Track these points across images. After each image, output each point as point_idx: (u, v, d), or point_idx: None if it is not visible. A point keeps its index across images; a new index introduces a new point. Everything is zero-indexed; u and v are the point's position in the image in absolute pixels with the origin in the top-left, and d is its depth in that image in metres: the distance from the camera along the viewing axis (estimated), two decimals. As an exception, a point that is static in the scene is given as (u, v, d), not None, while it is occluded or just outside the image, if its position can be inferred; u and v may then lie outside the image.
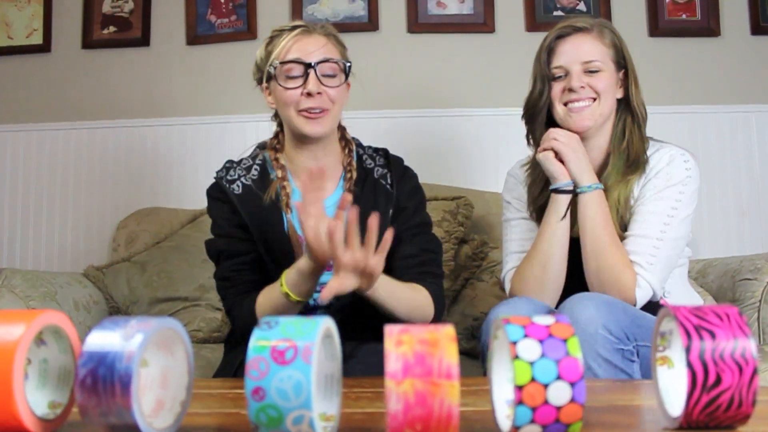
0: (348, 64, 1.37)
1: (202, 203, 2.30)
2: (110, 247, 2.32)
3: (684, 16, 2.42)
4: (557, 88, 1.42)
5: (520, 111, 1.51)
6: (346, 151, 1.43)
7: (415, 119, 2.42)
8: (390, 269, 1.28)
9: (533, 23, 2.43)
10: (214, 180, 1.41)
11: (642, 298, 1.32)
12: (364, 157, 1.43)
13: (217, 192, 1.40)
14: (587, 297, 1.23)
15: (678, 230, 1.36)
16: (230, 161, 1.44)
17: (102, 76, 2.51)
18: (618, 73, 1.43)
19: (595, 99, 1.40)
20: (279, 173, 1.39)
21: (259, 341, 0.56)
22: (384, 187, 1.38)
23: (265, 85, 1.39)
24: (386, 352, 0.54)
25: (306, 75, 1.31)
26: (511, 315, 1.20)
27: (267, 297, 1.27)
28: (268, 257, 1.34)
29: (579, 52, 1.40)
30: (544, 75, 1.43)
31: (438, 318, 1.33)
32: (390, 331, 0.56)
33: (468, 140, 2.40)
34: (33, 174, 2.48)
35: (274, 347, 0.55)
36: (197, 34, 2.47)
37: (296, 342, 0.55)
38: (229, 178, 1.39)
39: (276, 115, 1.43)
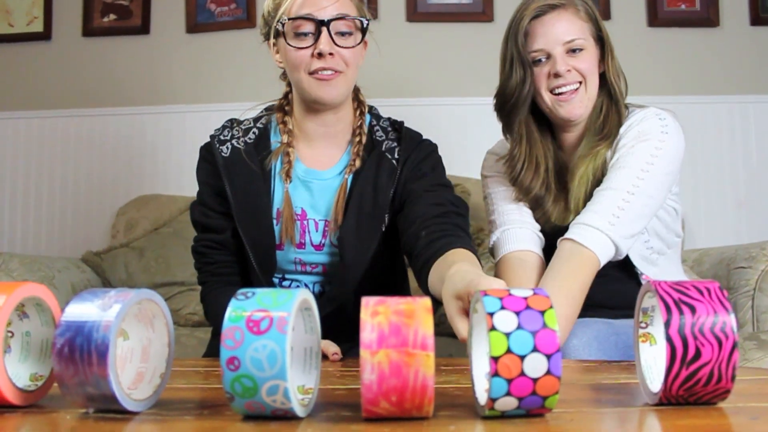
0: (366, 22, 1.23)
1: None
2: (109, 233, 2.33)
3: (683, 7, 2.41)
4: (541, 74, 1.29)
5: None
6: (358, 113, 1.31)
7: (413, 107, 2.41)
8: (409, 227, 1.18)
9: (533, 12, 2.42)
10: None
11: (601, 251, 1.17)
12: (376, 128, 1.31)
13: (206, 152, 1.31)
14: (576, 330, 1.12)
15: (653, 186, 1.21)
16: (231, 120, 1.34)
17: (102, 63, 2.51)
18: (597, 48, 1.32)
19: (581, 82, 1.28)
20: (285, 138, 1.28)
21: (235, 311, 0.56)
22: (389, 161, 1.26)
23: (272, 41, 1.26)
24: (362, 323, 0.54)
25: (318, 33, 1.18)
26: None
27: None
28: (243, 232, 1.25)
29: (559, 31, 1.27)
30: (524, 60, 1.29)
31: None
32: (366, 302, 0.56)
33: (466, 128, 2.40)
34: (33, 161, 2.49)
35: (250, 317, 0.55)
36: (197, 23, 2.48)
37: (272, 312, 0.55)
38: (221, 137, 1.29)
39: (285, 74, 1.30)
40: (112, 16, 2.50)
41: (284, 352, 0.53)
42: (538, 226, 1.34)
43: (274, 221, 1.27)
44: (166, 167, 2.47)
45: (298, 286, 1.31)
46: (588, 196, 1.26)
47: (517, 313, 0.56)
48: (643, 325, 0.67)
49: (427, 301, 0.56)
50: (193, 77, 2.49)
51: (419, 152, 1.29)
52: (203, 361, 1.12)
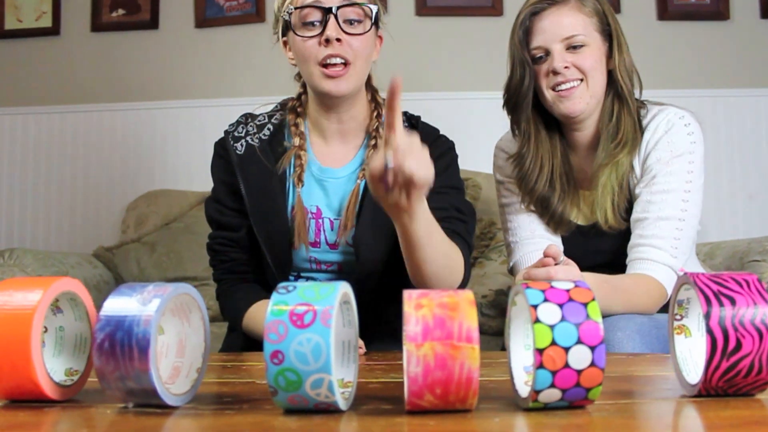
0: (375, 9, 1.21)
1: (210, 185, 2.34)
2: (120, 228, 2.33)
3: (693, 0, 2.41)
4: (541, 71, 1.28)
5: None
6: (374, 115, 1.29)
7: (423, 102, 2.40)
8: None
9: (543, 6, 2.42)
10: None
11: (669, 285, 1.22)
12: None
13: (220, 148, 1.30)
14: (620, 324, 1.12)
15: (696, 206, 1.25)
16: (246, 115, 1.32)
17: (111, 59, 2.51)
18: (606, 43, 1.30)
19: (582, 79, 1.27)
20: (296, 141, 1.27)
21: (277, 305, 0.56)
22: None
23: (284, 39, 1.25)
24: (406, 315, 0.54)
25: (325, 21, 1.17)
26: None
27: (257, 321, 1.20)
28: (258, 230, 1.24)
29: (558, 27, 1.25)
30: (523, 59, 1.28)
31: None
32: (409, 295, 0.56)
33: (475, 123, 2.40)
34: (43, 156, 2.49)
35: (293, 311, 0.55)
36: (206, 17, 2.47)
37: (315, 306, 0.55)
38: (236, 134, 1.28)
39: (300, 75, 1.30)
40: (121, 11, 2.50)
41: (329, 345, 0.53)
42: (556, 238, 1.35)
43: (290, 220, 1.26)
44: (176, 162, 2.47)
45: None
46: (614, 206, 1.27)
47: (561, 306, 0.55)
48: (678, 317, 0.67)
49: (469, 294, 0.56)
50: (202, 72, 2.48)
51: (434, 149, 1.25)
52: (223, 355, 1.12)
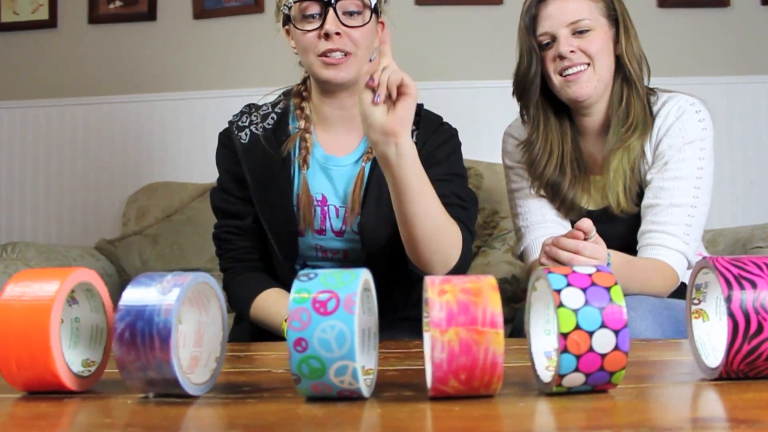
0: (374, 0, 1.21)
1: (211, 177, 2.32)
2: (120, 221, 2.32)
3: (694, -14, 2.40)
4: (548, 57, 1.30)
5: None
6: None
7: (423, 92, 2.38)
8: None
9: (542, -6, 2.41)
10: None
11: (681, 271, 1.24)
12: None
13: (224, 138, 1.31)
14: (633, 304, 1.12)
15: (707, 193, 1.27)
16: (249, 105, 1.33)
17: (109, 51, 2.50)
18: (613, 28, 1.31)
19: (589, 63, 1.28)
20: (302, 124, 1.27)
21: (299, 292, 0.55)
22: None
23: (286, 27, 1.26)
24: (430, 302, 0.54)
25: (324, 14, 1.17)
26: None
27: (265, 310, 1.21)
28: (264, 218, 1.25)
29: (563, 12, 1.27)
30: (530, 46, 1.30)
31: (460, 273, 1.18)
32: (432, 281, 0.56)
33: (476, 112, 2.39)
34: (42, 149, 2.48)
35: (316, 298, 0.55)
36: (204, 8, 2.46)
37: (338, 292, 0.55)
38: (240, 123, 1.29)
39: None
40: (118, 3, 2.48)
41: (353, 332, 0.53)
42: (566, 223, 1.35)
43: (295, 207, 1.26)
44: (175, 154, 2.46)
45: None
46: (626, 189, 1.28)
47: (584, 290, 0.55)
48: (696, 301, 0.67)
49: (492, 279, 0.56)
50: (201, 63, 2.47)
51: (437, 136, 1.28)
52: (234, 345, 1.11)
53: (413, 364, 0.76)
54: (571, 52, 1.27)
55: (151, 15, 2.47)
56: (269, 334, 1.23)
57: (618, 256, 1.16)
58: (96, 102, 2.48)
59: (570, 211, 1.35)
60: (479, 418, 0.50)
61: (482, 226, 1.97)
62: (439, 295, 0.54)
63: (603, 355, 0.54)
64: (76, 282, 0.64)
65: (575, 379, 0.55)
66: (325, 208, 1.27)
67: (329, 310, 0.54)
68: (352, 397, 0.56)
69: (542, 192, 1.37)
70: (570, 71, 1.28)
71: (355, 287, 0.55)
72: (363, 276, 0.57)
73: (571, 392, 0.56)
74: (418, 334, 1.31)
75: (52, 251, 1.80)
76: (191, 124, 2.46)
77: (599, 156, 1.36)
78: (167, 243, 2.04)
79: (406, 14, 2.44)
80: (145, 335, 0.57)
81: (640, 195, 1.31)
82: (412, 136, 1.23)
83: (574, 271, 0.57)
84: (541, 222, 1.36)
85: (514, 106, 2.34)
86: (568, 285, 0.56)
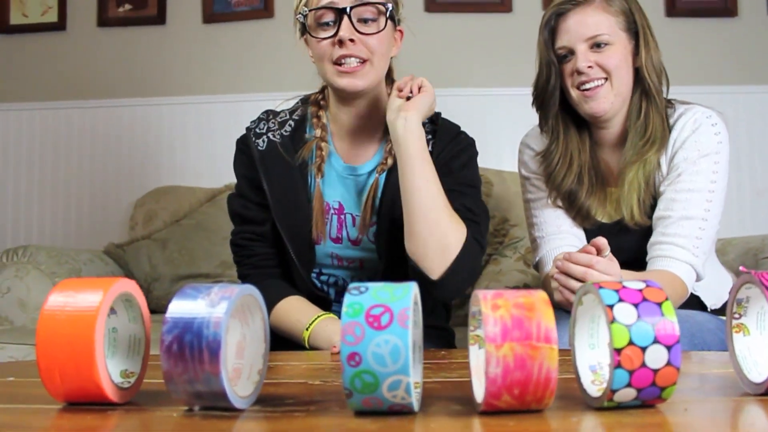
0: (389, 7, 1.20)
1: (219, 181, 2.33)
2: (127, 225, 2.31)
3: (702, -4, 2.42)
4: (566, 71, 1.30)
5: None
6: None
7: (431, 98, 2.41)
8: None
9: (549, 1, 2.42)
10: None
11: (690, 284, 1.24)
12: None
13: (242, 144, 1.30)
14: None
15: (719, 206, 1.27)
16: (267, 111, 1.33)
17: (118, 54, 2.49)
18: (632, 41, 1.30)
19: (606, 78, 1.28)
20: (318, 132, 1.28)
21: (352, 306, 0.55)
22: None
23: (304, 38, 1.25)
24: (484, 316, 0.54)
25: (339, 21, 1.17)
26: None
27: (285, 318, 1.20)
28: (281, 225, 1.25)
29: (582, 27, 1.27)
30: (549, 59, 1.31)
31: (465, 285, 1.18)
32: (484, 295, 0.56)
33: (485, 120, 2.40)
34: (49, 152, 2.47)
35: (369, 312, 0.55)
36: (213, 12, 2.46)
37: (391, 306, 0.55)
38: (258, 130, 1.29)
39: None
40: (128, 6, 2.47)
41: (407, 347, 0.53)
42: (580, 232, 1.35)
43: (311, 213, 1.26)
44: (184, 159, 2.45)
45: (335, 281, 1.31)
46: (640, 202, 1.28)
47: (636, 305, 0.55)
48: (737, 315, 0.67)
49: (544, 294, 0.56)
50: (210, 68, 2.47)
51: (454, 146, 1.28)
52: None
53: (449, 376, 0.76)
54: (589, 67, 1.27)
55: (160, 19, 2.47)
56: (286, 341, 1.23)
57: (628, 275, 1.16)
58: (104, 105, 2.47)
59: (586, 220, 1.35)
60: (536, 434, 0.50)
61: (493, 234, 1.97)
62: (493, 310, 0.54)
63: (655, 371, 0.54)
64: (119, 292, 0.64)
65: (627, 395, 0.55)
66: (342, 217, 1.27)
67: (383, 324, 0.54)
68: (403, 411, 0.56)
69: (559, 202, 1.36)
70: (587, 86, 1.28)
71: (408, 301, 0.55)
72: (414, 289, 0.57)
73: (619, 407, 0.56)
74: (437, 342, 1.32)
75: (63, 255, 1.79)
76: (200, 129, 2.45)
77: (615, 168, 1.36)
78: (176, 248, 2.04)
79: (415, 21, 2.42)
80: (194, 348, 0.56)
81: (654, 207, 1.31)
82: (429, 145, 1.24)
83: (624, 287, 0.57)
84: (557, 233, 1.36)
85: (522, 114, 2.35)
86: (620, 300, 0.56)
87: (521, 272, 1.81)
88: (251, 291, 0.63)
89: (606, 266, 1.06)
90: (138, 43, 2.49)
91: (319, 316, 1.17)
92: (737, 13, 2.41)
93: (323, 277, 1.31)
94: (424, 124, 1.27)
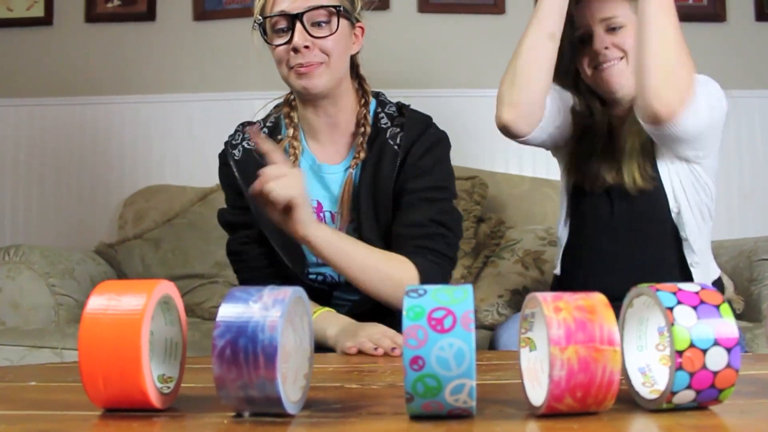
0: (339, 8, 1.21)
1: (210, 180, 2.30)
2: (116, 224, 2.28)
3: (690, 1, 2.45)
4: (584, 52, 1.39)
5: None
6: (362, 102, 1.30)
7: (424, 99, 2.39)
8: (393, 237, 1.22)
9: (542, 4, 2.44)
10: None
11: None
12: (381, 115, 1.29)
13: (222, 157, 1.33)
14: None
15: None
16: (243, 123, 1.36)
17: (106, 50, 2.45)
18: None
19: (623, 57, 1.35)
20: (290, 131, 1.29)
21: (412, 309, 0.54)
22: (391, 147, 1.24)
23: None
24: (547, 319, 0.54)
25: (292, 27, 1.17)
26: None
27: None
28: (264, 227, 1.25)
29: (597, 9, 1.36)
30: (571, 41, 1.39)
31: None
32: (544, 298, 0.56)
33: (478, 121, 2.40)
34: (36, 149, 2.42)
35: (431, 315, 0.54)
36: (204, 10, 2.42)
37: (453, 309, 0.54)
38: (233, 142, 1.31)
39: None
40: (117, 2, 2.43)
41: (472, 350, 0.52)
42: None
43: None
44: (174, 157, 2.42)
45: (323, 279, 1.31)
46: (638, 167, 1.35)
47: (695, 308, 0.56)
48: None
49: (602, 297, 0.56)
50: (201, 66, 2.44)
51: (423, 142, 1.26)
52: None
53: (484, 378, 0.76)
54: (606, 48, 1.35)
55: (150, 15, 2.43)
56: None
57: None
58: (92, 102, 2.43)
59: (594, 183, 1.40)
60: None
61: (489, 236, 1.97)
62: (555, 312, 0.54)
63: (715, 373, 0.55)
64: (161, 294, 0.62)
65: (685, 396, 0.55)
66: (321, 215, 1.29)
67: (446, 327, 0.53)
68: (462, 415, 0.56)
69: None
70: (604, 65, 1.36)
71: (470, 304, 0.55)
72: (472, 291, 0.57)
73: (677, 408, 0.57)
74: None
75: (55, 255, 1.75)
76: (189, 127, 2.42)
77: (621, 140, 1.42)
78: (169, 248, 2.01)
79: (408, 22, 2.44)
80: (248, 353, 0.55)
81: (656, 169, 1.37)
82: (396, 139, 1.24)
83: (680, 289, 0.57)
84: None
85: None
86: (679, 303, 0.56)
87: (520, 275, 1.82)
88: (300, 294, 0.62)
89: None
90: (127, 39, 2.45)
91: (314, 312, 1.18)
92: (726, 19, 2.45)
93: (311, 276, 1.31)
94: (393, 117, 1.29)
